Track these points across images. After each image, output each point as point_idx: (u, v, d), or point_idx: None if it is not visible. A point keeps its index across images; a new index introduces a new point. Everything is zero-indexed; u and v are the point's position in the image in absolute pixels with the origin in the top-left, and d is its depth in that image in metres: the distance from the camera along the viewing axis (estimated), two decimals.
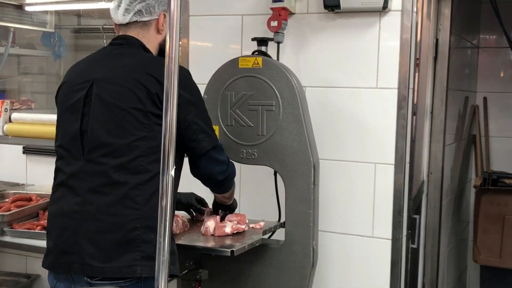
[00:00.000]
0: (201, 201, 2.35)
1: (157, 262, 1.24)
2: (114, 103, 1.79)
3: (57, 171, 1.89)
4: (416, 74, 2.50)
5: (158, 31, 1.96)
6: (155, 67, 1.82)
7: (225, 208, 2.27)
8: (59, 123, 1.91)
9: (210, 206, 2.36)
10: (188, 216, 2.35)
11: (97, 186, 1.78)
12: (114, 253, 1.76)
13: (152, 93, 1.78)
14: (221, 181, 2.00)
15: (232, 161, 2.07)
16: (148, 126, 1.77)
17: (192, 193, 2.33)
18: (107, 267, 1.75)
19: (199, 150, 1.89)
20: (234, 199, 2.30)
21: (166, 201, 1.23)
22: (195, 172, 1.97)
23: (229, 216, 2.21)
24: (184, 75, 1.88)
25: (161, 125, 1.76)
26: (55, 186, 1.88)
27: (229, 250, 1.94)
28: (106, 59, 1.90)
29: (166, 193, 1.23)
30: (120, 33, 1.96)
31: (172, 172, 1.22)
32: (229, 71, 2.24)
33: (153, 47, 1.96)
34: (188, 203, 2.31)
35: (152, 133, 1.78)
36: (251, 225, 2.23)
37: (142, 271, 1.75)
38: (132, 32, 1.93)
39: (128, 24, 1.93)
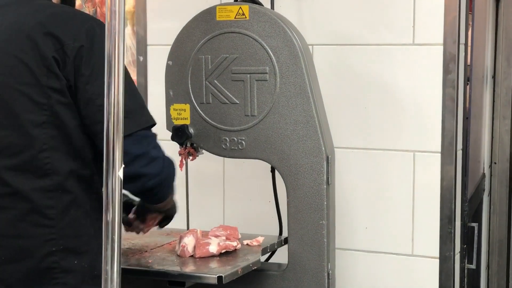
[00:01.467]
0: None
1: None
2: None
3: None
4: (470, 23, 2.51)
5: None
6: (53, 19, 1.80)
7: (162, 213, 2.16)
8: None
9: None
10: None
11: None
12: None
13: (47, 58, 1.76)
14: (151, 188, 1.90)
15: (170, 158, 1.95)
16: (47, 107, 1.77)
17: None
18: None
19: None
20: (173, 203, 2.18)
21: (113, 215, 1.25)
22: None
23: (214, 230, 2.23)
24: (95, 25, 1.82)
25: (65, 104, 1.74)
26: None
27: (216, 276, 1.95)
28: None
29: (112, 202, 1.24)
30: None
31: (120, 173, 1.23)
32: (203, 26, 2.24)
33: None
34: (128, 203, 2.19)
35: (53, 117, 1.77)
36: (245, 242, 2.25)
37: None
38: None
39: None
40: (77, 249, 1.81)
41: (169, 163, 1.93)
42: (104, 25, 1.67)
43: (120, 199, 1.28)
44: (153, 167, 1.85)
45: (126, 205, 2.17)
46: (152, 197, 1.98)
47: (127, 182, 1.73)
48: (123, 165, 1.26)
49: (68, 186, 1.80)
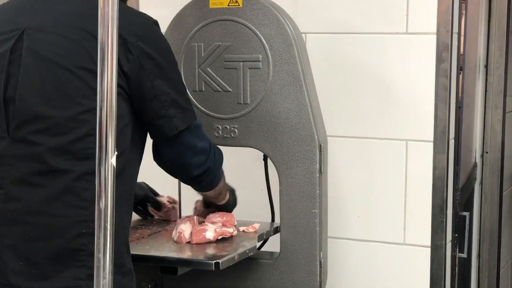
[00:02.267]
0: (155, 194, 2.41)
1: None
2: (55, 60, 1.79)
3: None
4: (463, 13, 2.51)
5: None
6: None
7: (219, 208, 2.31)
8: None
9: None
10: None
11: (27, 175, 1.78)
12: (49, 269, 1.77)
13: None
14: (197, 176, 2.01)
15: (218, 148, 2.07)
16: None
17: (143, 183, 2.37)
18: None
19: (169, 130, 1.90)
20: (233, 196, 2.34)
21: (106, 202, 1.24)
22: (160, 161, 1.99)
23: (210, 217, 2.24)
24: (150, 27, 1.89)
25: (119, 93, 1.77)
26: None
27: (213, 262, 1.96)
28: (42, 1, 1.88)
29: (105, 190, 1.24)
30: None
31: (113, 161, 1.23)
32: (196, 14, 2.24)
33: None
34: (146, 196, 2.36)
35: None
36: (242, 228, 2.26)
37: None
38: None
39: None
40: None
41: (217, 151, 2.06)
42: (156, 22, 1.89)
43: (113, 187, 1.28)
44: (199, 157, 1.97)
45: (145, 200, 2.39)
46: (200, 184, 2.09)
47: (176, 171, 1.99)
48: (115, 153, 1.25)
49: None
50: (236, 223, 2.25)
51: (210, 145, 2.02)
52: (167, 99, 1.88)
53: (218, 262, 1.95)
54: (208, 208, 2.33)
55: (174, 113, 1.89)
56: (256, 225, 2.28)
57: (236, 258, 2.03)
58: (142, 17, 1.91)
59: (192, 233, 2.14)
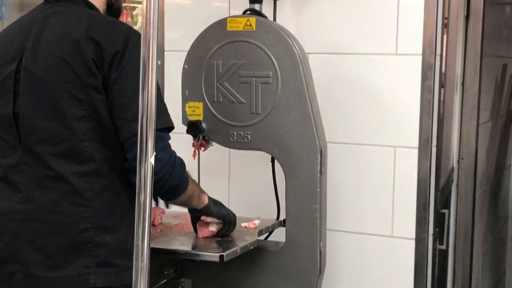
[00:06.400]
0: None
1: (135, 269, 1.26)
2: (45, 77, 1.79)
3: None
4: (445, 37, 2.52)
5: None
6: (95, 26, 1.81)
7: (197, 214, 2.15)
8: None
9: None
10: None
11: (39, 180, 1.80)
12: (62, 260, 1.78)
13: (87, 60, 1.76)
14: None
15: (180, 159, 1.88)
16: (86, 103, 1.77)
17: None
18: (55, 277, 1.78)
19: (125, 132, 1.77)
20: (230, 218, 2.15)
21: (145, 196, 1.25)
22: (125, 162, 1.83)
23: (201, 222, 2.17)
24: (125, 36, 1.80)
25: (101, 100, 1.74)
26: None
27: (218, 254, 1.96)
28: (37, 22, 1.88)
29: (144, 185, 1.25)
30: None
31: (152, 160, 1.23)
32: (215, 35, 2.24)
33: (99, 2, 1.95)
34: None
35: (92, 111, 1.78)
36: (243, 224, 2.26)
37: (96, 280, 1.78)
38: None
39: None
40: (109, 226, 1.81)
41: (174, 166, 1.84)
42: (139, 34, 1.68)
43: (151, 183, 1.28)
44: (155, 166, 1.69)
45: None
46: (157, 193, 1.89)
47: (133, 175, 1.72)
48: (154, 153, 1.26)
49: (103, 172, 1.81)
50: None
51: (171, 157, 1.83)
52: (126, 103, 1.76)
53: (223, 254, 1.96)
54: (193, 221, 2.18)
55: (132, 117, 1.73)
56: (256, 222, 2.28)
57: (238, 251, 2.03)
58: (120, 27, 1.86)
59: (197, 228, 2.13)
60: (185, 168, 1.92)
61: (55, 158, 1.79)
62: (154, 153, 1.70)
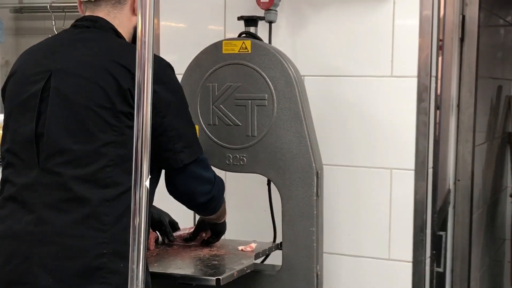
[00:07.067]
0: (174, 225, 2.36)
1: None
2: (77, 100, 1.79)
3: (4, 182, 1.88)
4: (439, 59, 2.53)
5: (134, 11, 1.94)
6: (129, 57, 1.77)
7: (213, 228, 2.29)
8: (8, 123, 1.90)
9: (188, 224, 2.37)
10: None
11: (55, 202, 1.77)
12: (74, 285, 1.75)
13: (123, 89, 1.77)
14: (203, 203, 2.00)
15: (220, 177, 2.04)
16: (117, 128, 1.77)
17: (167, 214, 2.33)
18: None
19: (176, 163, 1.88)
20: (223, 221, 2.30)
21: (140, 220, 1.24)
22: (171, 189, 1.97)
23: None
24: (164, 69, 1.88)
25: (132, 127, 1.76)
26: (2, 201, 1.87)
27: (214, 278, 1.95)
28: (68, 45, 1.89)
29: (139, 209, 1.24)
30: (87, 13, 1.94)
31: (147, 184, 1.23)
32: (211, 58, 2.25)
33: (126, 32, 1.95)
34: (160, 221, 2.31)
35: (122, 138, 1.78)
36: (240, 247, 2.24)
37: None
38: (102, 13, 1.92)
39: (97, 2, 1.91)
40: (124, 253, 1.75)
41: (220, 182, 2.02)
42: (170, 65, 1.88)
43: (146, 207, 1.27)
44: (205, 186, 1.95)
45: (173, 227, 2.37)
46: (205, 211, 2.10)
47: (184, 199, 1.97)
48: (149, 176, 1.25)
49: (124, 198, 1.77)
50: None
51: (215, 176, 2.00)
52: (174, 135, 1.86)
53: (219, 278, 1.94)
54: (196, 233, 2.33)
55: (180, 148, 1.86)
56: (253, 245, 2.26)
57: (235, 275, 2.01)
58: (156, 60, 1.89)
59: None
60: (224, 185, 2.06)
61: (77, 181, 1.76)
62: (200, 175, 1.92)
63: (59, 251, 1.76)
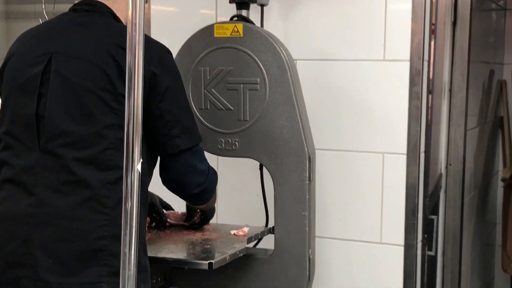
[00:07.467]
0: (166, 207, 2.37)
1: (122, 279, 1.24)
2: (78, 82, 1.79)
3: (1, 164, 1.87)
4: (432, 43, 2.53)
5: None
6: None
7: (202, 213, 2.31)
8: (6, 105, 1.89)
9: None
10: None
11: (57, 184, 1.77)
12: (75, 267, 1.75)
13: (124, 72, 1.75)
14: (195, 194, 1.99)
15: (214, 169, 2.03)
16: (118, 111, 1.77)
17: (157, 196, 2.33)
18: (66, 284, 1.75)
19: (171, 148, 1.87)
20: (213, 206, 2.32)
21: (132, 203, 1.24)
22: (164, 177, 1.96)
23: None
24: (164, 53, 1.89)
25: None
26: (0, 183, 1.87)
27: (207, 262, 1.95)
28: (68, 28, 1.89)
29: (131, 193, 1.23)
30: None
31: (139, 167, 1.22)
32: (202, 42, 2.24)
33: (125, 16, 1.94)
34: (151, 203, 2.31)
35: (123, 121, 1.77)
36: (232, 232, 2.25)
37: None
38: None
39: None
40: None
41: (214, 174, 2.02)
42: (169, 50, 1.89)
43: (138, 191, 1.27)
44: (199, 177, 1.94)
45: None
46: (197, 201, 2.11)
47: (177, 188, 1.95)
48: (141, 160, 1.25)
49: None
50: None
51: (209, 167, 1.99)
52: (171, 119, 1.86)
53: (212, 262, 1.95)
54: (189, 217, 2.34)
55: (176, 133, 1.86)
56: (246, 229, 2.27)
57: (227, 259, 2.02)
58: (156, 44, 1.90)
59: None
60: (217, 176, 2.06)
61: (78, 163, 1.76)
62: (194, 166, 1.91)
63: (60, 233, 1.76)
